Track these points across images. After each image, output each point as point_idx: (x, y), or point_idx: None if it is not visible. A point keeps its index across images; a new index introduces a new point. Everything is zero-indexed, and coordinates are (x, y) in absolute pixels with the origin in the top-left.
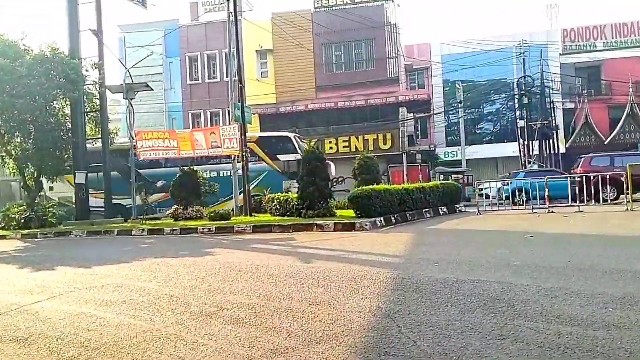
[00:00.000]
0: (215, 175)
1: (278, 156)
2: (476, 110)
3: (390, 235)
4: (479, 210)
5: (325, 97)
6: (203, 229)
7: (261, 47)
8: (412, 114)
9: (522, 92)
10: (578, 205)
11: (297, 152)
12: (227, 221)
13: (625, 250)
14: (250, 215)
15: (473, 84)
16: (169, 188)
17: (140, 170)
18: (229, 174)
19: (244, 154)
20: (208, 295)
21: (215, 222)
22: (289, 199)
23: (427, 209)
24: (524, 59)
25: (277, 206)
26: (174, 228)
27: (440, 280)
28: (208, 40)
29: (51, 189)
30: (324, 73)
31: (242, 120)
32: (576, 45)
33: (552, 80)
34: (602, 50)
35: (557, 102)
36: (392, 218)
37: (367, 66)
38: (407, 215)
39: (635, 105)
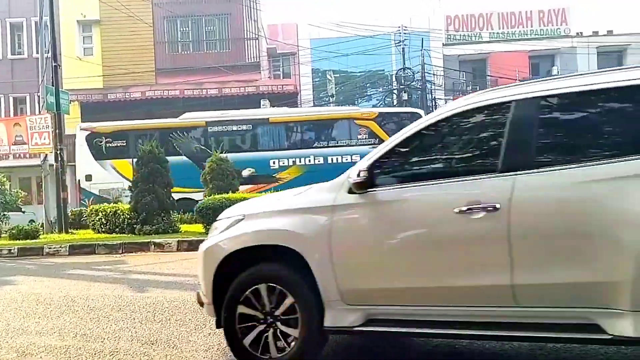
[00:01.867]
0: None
1: None
2: (351, 105)
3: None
4: None
5: (168, 83)
6: (0, 250)
7: (84, 16)
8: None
9: (402, 86)
10: None
11: None
12: (34, 240)
13: None
14: (67, 233)
15: (347, 75)
16: None
17: None
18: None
19: (58, 152)
20: (6, 337)
21: (18, 242)
22: (119, 211)
23: None
24: (403, 49)
25: (103, 220)
26: None
27: None
28: (11, 4)
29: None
30: (166, 53)
31: (56, 109)
32: (461, 35)
33: (434, 74)
34: (488, 42)
35: (440, 99)
36: None
37: (222, 47)
38: None
39: None
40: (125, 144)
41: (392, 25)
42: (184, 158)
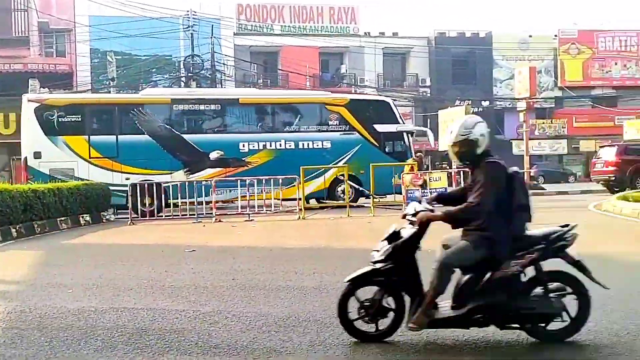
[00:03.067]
0: None
1: (375, 126)
2: (134, 90)
3: (11, 254)
4: (131, 220)
5: None
6: None
7: None
8: (46, 89)
9: (190, 74)
10: (249, 214)
11: (398, 122)
12: None
13: (294, 264)
14: None
15: (130, 58)
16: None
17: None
18: None
19: None
20: None
21: None
22: None
23: (63, 218)
24: (192, 34)
25: None
26: None
27: (73, 311)
28: None
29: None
30: None
31: None
32: (252, 25)
33: (224, 64)
34: (279, 35)
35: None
36: (13, 231)
37: None
38: (35, 226)
39: None
40: (80, 119)
41: (181, 9)
42: (147, 137)
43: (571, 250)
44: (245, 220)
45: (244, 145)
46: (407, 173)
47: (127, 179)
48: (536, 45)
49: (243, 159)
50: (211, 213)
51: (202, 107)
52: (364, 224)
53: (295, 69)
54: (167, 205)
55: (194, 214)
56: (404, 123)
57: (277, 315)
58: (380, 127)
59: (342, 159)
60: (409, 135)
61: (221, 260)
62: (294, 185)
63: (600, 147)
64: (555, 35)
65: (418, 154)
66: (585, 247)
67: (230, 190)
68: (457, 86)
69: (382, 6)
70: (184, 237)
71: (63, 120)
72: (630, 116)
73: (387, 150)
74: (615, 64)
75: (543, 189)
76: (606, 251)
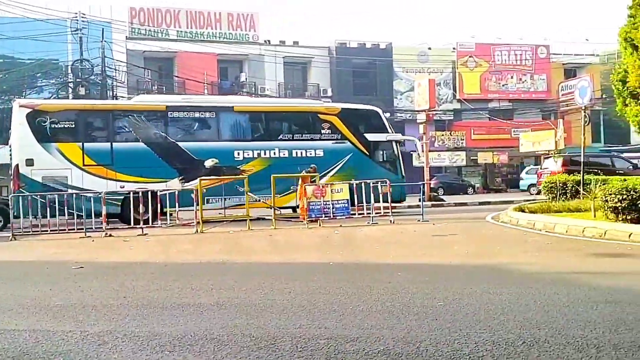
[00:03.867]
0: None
1: (365, 135)
2: (18, 97)
3: None
4: (13, 235)
5: None
6: None
7: None
8: None
9: (79, 79)
10: (142, 228)
11: (387, 131)
12: None
13: (190, 280)
14: None
15: (13, 62)
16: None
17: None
18: None
19: None
20: None
21: None
22: None
23: None
24: (81, 38)
25: None
26: None
27: None
28: None
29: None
30: None
31: None
32: (146, 30)
33: (116, 70)
34: (175, 40)
35: (123, 96)
36: None
37: None
38: None
39: None
40: (73, 126)
41: (68, 11)
42: (141, 144)
43: None
44: (139, 235)
45: (238, 154)
46: (309, 185)
47: (122, 187)
48: (435, 58)
49: (238, 167)
50: (101, 227)
51: (197, 114)
52: (265, 237)
53: (193, 76)
54: (164, 213)
55: (82, 228)
56: (393, 132)
57: (171, 334)
58: (370, 136)
59: (334, 168)
60: (397, 144)
61: (111, 277)
62: (289, 194)
63: (545, 158)
64: (454, 48)
65: (312, 165)
66: (482, 257)
67: (226, 198)
68: (358, 97)
69: (283, 15)
70: (70, 253)
71: (56, 126)
72: (525, 129)
73: (376, 158)
74: (511, 77)
75: (443, 200)
76: (502, 261)
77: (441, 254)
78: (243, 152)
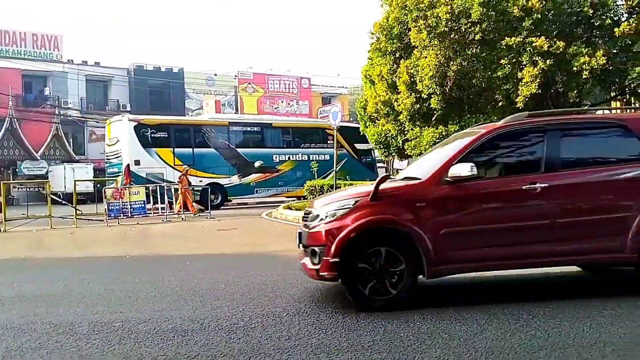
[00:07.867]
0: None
1: (355, 144)
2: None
3: None
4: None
5: None
6: None
7: None
8: None
9: None
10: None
11: (368, 142)
12: None
13: None
14: None
15: None
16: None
17: (238, 149)
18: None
19: None
20: None
21: None
22: None
23: None
24: None
25: None
26: None
27: None
28: None
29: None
30: None
31: None
32: None
33: None
34: None
35: None
36: None
37: None
38: None
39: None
40: (167, 135)
41: None
42: (212, 150)
43: None
44: None
45: (276, 157)
46: (109, 187)
47: (201, 181)
48: (221, 83)
49: (275, 167)
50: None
51: (248, 128)
52: (67, 234)
53: None
54: (229, 200)
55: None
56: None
57: None
58: (358, 146)
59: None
60: (373, 151)
61: None
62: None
63: None
64: (235, 76)
65: (184, 166)
66: (257, 247)
67: (268, 189)
68: (155, 112)
69: (85, 37)
70: None
71: (155, 135)
72: None
73: (362, 162)
74: (282, 101)
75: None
76: (272, 250)
77: (224, 245)
78: (279, 156)
